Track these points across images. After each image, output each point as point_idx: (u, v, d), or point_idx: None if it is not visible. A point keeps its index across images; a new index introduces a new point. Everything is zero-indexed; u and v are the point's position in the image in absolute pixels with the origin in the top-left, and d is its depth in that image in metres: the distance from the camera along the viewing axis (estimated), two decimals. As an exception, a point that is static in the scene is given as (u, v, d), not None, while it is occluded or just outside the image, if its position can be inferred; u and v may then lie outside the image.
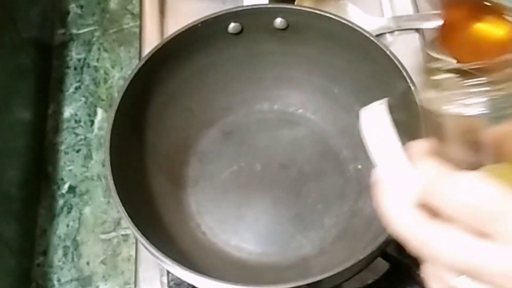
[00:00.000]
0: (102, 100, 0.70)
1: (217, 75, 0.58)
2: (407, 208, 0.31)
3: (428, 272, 0.31)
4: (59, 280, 0.61)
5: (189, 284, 0.50)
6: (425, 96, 0.33)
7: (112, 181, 0.47)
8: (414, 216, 0.30)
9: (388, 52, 0.50)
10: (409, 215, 0.31)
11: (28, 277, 0.61)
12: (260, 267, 0.53)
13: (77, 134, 0.68)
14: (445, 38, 0.39)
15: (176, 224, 0.54)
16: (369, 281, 0.52)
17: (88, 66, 0.73)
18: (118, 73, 0.72)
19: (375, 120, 0.35)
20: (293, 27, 0.55)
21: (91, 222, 0.63)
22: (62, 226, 0.63)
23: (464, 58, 0.38)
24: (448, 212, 0.29)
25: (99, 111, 0.69)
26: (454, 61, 0.39)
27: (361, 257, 0.43)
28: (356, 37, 0.52)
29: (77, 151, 0.67)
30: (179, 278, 0.50)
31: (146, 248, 0.44)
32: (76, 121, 0.69)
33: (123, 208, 0.45)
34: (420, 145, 0.32)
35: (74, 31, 0.76)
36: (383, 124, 0.34)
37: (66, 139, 0.68)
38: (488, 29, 0.41)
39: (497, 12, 0.40)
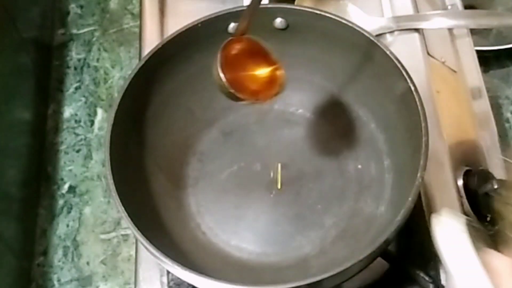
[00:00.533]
0: (102, 100, 0.70)
1: (217, 75, 0.58)
2: None
3: None
4: (59, 280, 0.61)
5: (189, 284, 0.50)
6: None
7: (112, 181, 0.47)
8: None
9: (388, 52, 0.50)
10: None
11: (28, 277, 0.61)
12: (260, 267, 0.53)
13: (77, 134, 0.68)
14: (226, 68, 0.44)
15: (176, 224, 0.54)
16: (369, 281, 0.52)
17: (88, 66, 0.73)
18: (118, 73, 0.72)
19: (453, 238, 0.35)
20: (293, 27, 0.55)
21: (91, 222, 0.63)
22: (62, 226, 0.63)
23: (240, 91, 0.43)
24: None
25: (99, 111, 0.70)
26: None
27: (361, 257, 0.42)
28: (356, 37, 0.52)
29: (77, 151, 0.67)
30: (179, 278, 0.50)
31: (146, 248, 0.44)
32: (76, 121, 0.69)
33: (123, 208, 0.45)
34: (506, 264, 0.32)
35: (74, 31, 0.76)
36: (463, 245, 0.35)
37: (66, 139, 0.68)
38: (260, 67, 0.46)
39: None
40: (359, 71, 0.55)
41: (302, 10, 0.54)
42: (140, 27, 0.67)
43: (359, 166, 0.56)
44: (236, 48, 0.46)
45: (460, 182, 0.57)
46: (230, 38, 0.46)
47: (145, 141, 0.54)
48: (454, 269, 0.35)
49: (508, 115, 0.70)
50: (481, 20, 0.66)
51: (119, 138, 0.49)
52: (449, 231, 0.35)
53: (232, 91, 0.44)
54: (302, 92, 0.59)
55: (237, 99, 0.45)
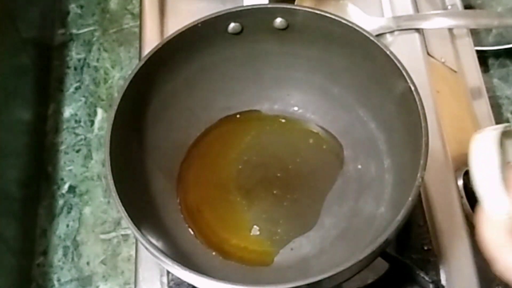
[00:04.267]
0: (102, 100, 0.70)
1: (217, 75, 0.58)
2: (499, 232, 0.33)
3: None
4: (59, 280, 0.61)
5: (189, 284, 0.50)
6: None
7: (112, 181, 0.47)
8: (503, 242, 0.32)
9: (388, 52, 0.50)
10: (499, 239, 0.32)
11: (28, 277, 0.61)
12: (260, 267, 0.53)
13: (77, 134, 0.68)
14: None
15: (176, 224, 0.54)
16: (369, 281, 0.52)
17: (88, 66, 0.73)
18: (118, 73, 0.72)
19: (483, 146, 0.36)
20: (293, 27, 0.55)
21: (91, 222, 0.63)
22: (62, 226, 0.63)
23: None
24: None
25: (99, 111, 0.70)
26: None
27: (361, 257, 0.42)
28: (356, 37, 0.52)
29: (77, 151, 0.67)
30: (179, 278, 0.50)
31: (146, 248, 0.44)
32: (76, 121, 0.69)
33: (123, 208, 0.45)
34: None
35: (74, 31, 0.76)
36: (489, 151, 0.36)
37: (66, 139, 0.68)
38: None
39: None
40: (359, 71, 0.55)
41: (302, 10, 0.54)
42: (140, 27, 0.67)
43: (359, 166, 0.56)
44: None
45: (460, 182, 0.57)
46: None
47: (145, 141, 0.54)
48: (475, 176, 0.36)
49: (508, 115, 0.70)
50: (481, 20, 0.66)
51: (119, 138, 0.49)
52: (481, 141, 0.36)
53: None
54: (302, 92, 0.59)
55: None
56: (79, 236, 0.62)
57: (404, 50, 0.62)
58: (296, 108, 0.60)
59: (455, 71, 0.66)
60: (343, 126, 0.58)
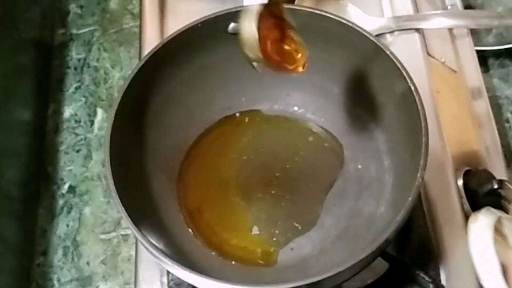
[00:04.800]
0: (102, 100, 0.70)
1: (217, 75, 0.58)
2: None
3: None
4: (59, 280, 0.61)
5: (189, 284, 0.50)
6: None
7: (112, 181, 0.47)
8: None
9: (388, 52, 0.50)
10: None
11: (28, 277, 0.61)
12: (260, 267, 0.53)
13: (77, 134, 0.68)
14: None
15: (176, 224, 0.54)
16: (369, 281, 0.52)
17: (88, 66, 0.73)
18: (118, 73, 0.72)
19: (480, 238, 0.39)
20: (293, 27, 0.55)
21: (91, 222, 0.63)
22: (62, 226, 0.63)
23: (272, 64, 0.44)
24: None
25: (99, 111, 0.70)
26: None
27: (361, 257, 0.42)
28: (356, 37, 0.52)
29: (77, 151, 0.67)
30: (179, 278, 0.50)
31: (146, 248, 0.44)
32: (76, 121, 0.69)
33: (123, 208, 0.45)
34: None
35: (74, 31, 0.76)
36: (487, 244, 0.39)
37: (66, 139, 0.68)
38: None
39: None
40: (359, 71, 0.55)
41: (302, 10, 0.54)
42: (140, 27, 0.67)
43: (359, 166, 0.56)
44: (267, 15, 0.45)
45: (460, 182, 0.57)
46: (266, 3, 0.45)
47: (145, 141, 0.54)
48: (475, 260, 0.39)
49: (508, 115, 0.70)
50: (481, 20, 0.66)
51: (119, 138, 0.49)
52: (477, 226, 0.38)
53: (260, 55, 0.44)
54: (302, 92, 0.59)
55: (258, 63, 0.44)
56: (79, 236, 0.62)
57: (404, 50, 0.62)
58: (296, 108, 0.60)
59: (455, 71, 0.66)
60: (343, 126, 0.58)
